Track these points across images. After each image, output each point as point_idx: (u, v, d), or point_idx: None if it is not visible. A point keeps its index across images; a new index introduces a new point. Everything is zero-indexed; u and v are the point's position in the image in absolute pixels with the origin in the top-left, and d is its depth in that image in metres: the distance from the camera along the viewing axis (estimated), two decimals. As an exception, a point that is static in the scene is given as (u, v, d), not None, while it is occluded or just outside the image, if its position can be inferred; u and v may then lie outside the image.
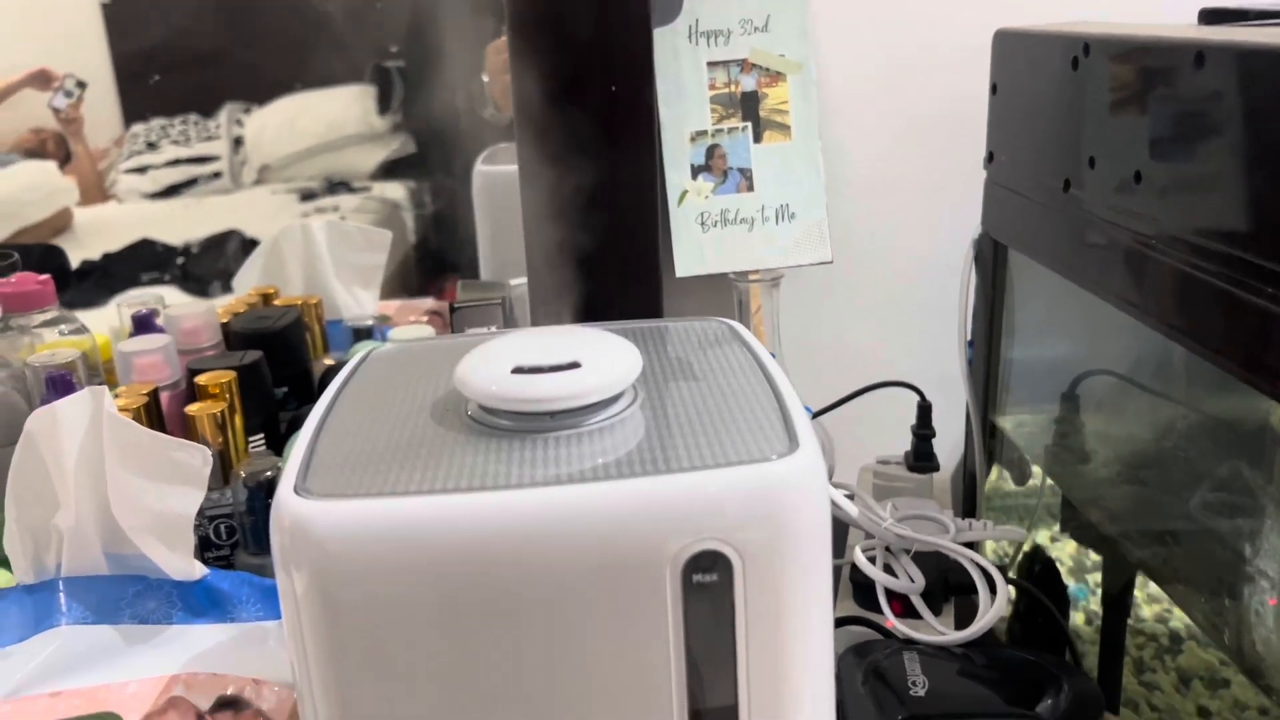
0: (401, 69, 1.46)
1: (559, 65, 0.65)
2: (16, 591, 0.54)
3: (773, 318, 0.73)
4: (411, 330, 0.80)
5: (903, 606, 0.57)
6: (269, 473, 0.61)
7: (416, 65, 1.39)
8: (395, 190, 1.54)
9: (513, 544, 0.32)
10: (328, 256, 0.92)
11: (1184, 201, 0.48)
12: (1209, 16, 0.55)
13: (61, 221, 1.63)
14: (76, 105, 1.68)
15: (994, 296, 0.70)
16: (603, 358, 0.37)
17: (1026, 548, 0.74)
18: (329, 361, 0.83)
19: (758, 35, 0.72)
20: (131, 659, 0.52)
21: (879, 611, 0.57)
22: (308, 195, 1.63)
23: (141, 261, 1.54)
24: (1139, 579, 0.74)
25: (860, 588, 0.59)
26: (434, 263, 1.37)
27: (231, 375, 0.65)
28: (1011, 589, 0.66)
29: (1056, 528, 0.73)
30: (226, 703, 0.49)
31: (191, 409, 0.63)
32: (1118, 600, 0.61)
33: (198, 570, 0.54)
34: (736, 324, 0.46)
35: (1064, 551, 0.77)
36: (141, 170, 1.78)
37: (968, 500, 0.74)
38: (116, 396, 0.63)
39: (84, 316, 0.77)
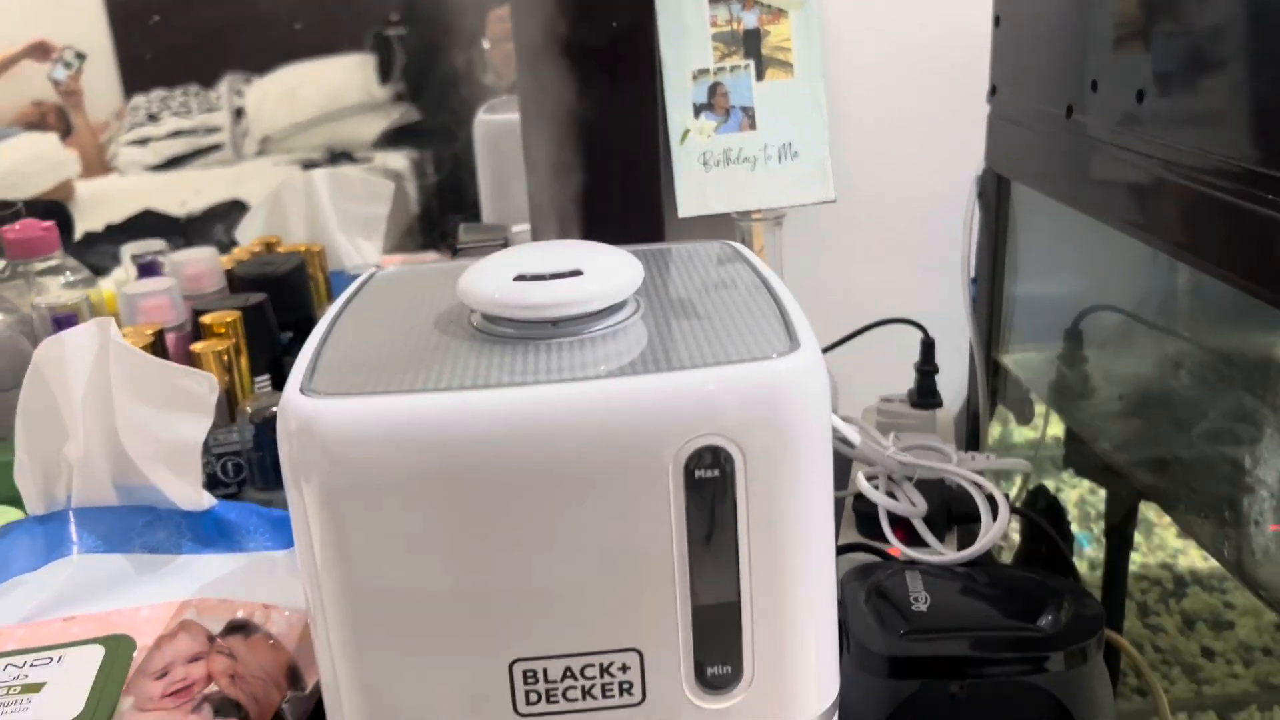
0: (402, 37, 1.46)
1: (561, 4, 0.65)
2: (28, 522, 0.55)
3: (775, 257, 0.73)
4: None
5: (906, 534, 0.57)
6: (274, 409, 0.61)
7: (417, 33, 1.38)
8: (397, 160, 1.54)
9: (516, 440, 0.32)
10: (330, 207, 0.93)
11: (1187, 118, 0.48)
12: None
13: (64, 194, 1.64)
14: (76, 77, 1.68)
15: (997, 232, 0.71)
16: (604, 267, 0.38)
17: (1031, 486, 0.74)
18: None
19: (759, -29, 0.72)
20: (142, 587, 0.53)
21: (883, 541, 0.57)
22: (309, 165, 1.63)
23: (144, 232, 1.54)
24: (1142, 529, 0.74)
25: (864, 518, 0.59)
26: (437, 232, 1.38)
27: (237, 315, 0.66)
28: (1015, 520, 0.66)
29: (1062, 476, 0.74)
30: (237, 626, 0.50)
31: (197, 347, 0.63)
32: (1120, 529, 0.62)
33: (206, 500, 0.55)
34: (739, 245, 0.46)
35: (1068, 500, 0.77)
36: (143, 142, 1.78)
37: (971, 437, 0.74)
38: (124, 337, 0.64)
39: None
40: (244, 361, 0.65)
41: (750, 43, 0.72)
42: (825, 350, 0.73)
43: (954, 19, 0.76)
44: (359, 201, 0.93)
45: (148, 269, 0.78)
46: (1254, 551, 0.48)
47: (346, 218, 0.92)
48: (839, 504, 0.63)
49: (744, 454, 0.33)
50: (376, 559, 0.33)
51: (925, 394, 0.70)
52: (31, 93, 1.67)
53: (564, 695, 0.35)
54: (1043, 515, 0.69)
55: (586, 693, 0.35)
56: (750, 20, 0.72)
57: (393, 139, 1.55)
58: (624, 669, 0.34)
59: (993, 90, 0.68)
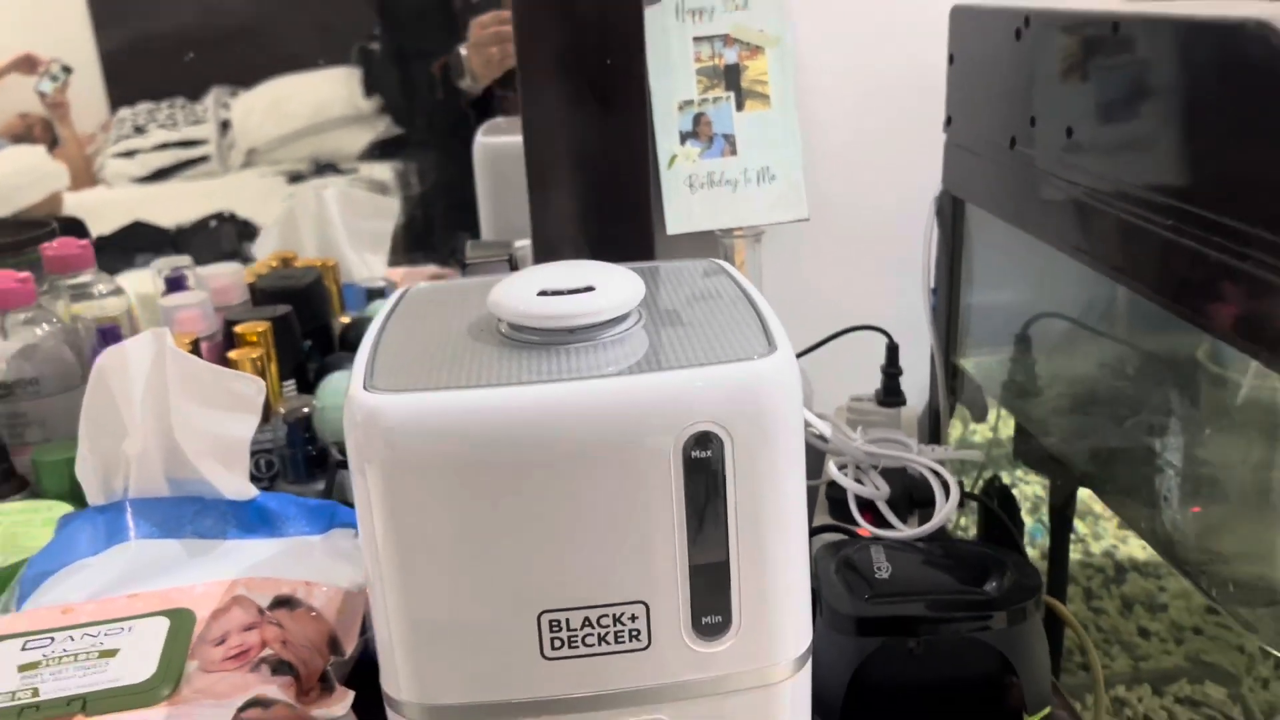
0: (380, 48, 1.48)
1: (560, 42, 0.72)
2: (89, 512, 0.61)
3: (756, 270, 0.80)
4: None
5: (872, 516, 0.64)
6: (305, 410, 0.68)
7: (391, 40, 1.41)
8: (383, 171, 1.57)
9: (543, 428, 0.39)
10: (339, 223, 0.99)
11: (1109, 153, 0.55)
12: (1134, -9, 0.62)
13: (52, 206, 1.67)
14: (62, 90, 1.72)
15: (954, 248, 0.78)
16: (613, 283, 0.44)
17: (986, 475, 0.82)
18: (345, 320, 0.90)
19: (738, 12, 0.79)
20: (194, 568, 0.59)
21: (852, 523, 0.65)
22: (295, 177, 1.66)
23: (135, 243, 1.56)
24: (1087, 523, 0.81)
25: (835, 503, 0.66)
26: (424, 240, 1.41)
27: (267, 325, 0.72)
28: (974, 508, 0.74)
29: (1016, 473, 0.81)
30: (282, 601, 0.56)
31: (233, 354, 0.70)
32: (1062, 511, 0.69)
33: (250, 490, 0.61)
34: (723, 262, 0.54)
35: (1022, 495, 0.84)
36: (129, 154, 1.81)
37: (932, 433, 0.82)
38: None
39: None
40: (274, 368, 0.72)
41: (731, 76, 0.79)
42: (800, 354, 0.81)
43: (914, 57, 0.83)
44: (366, 218, 0.99)
45: (175, 283, 0.84)
46: (1168, 526, 0.56)
47: (355, 234, 0.98)
48: (813, 491, 0.70)
49: (731, 438, 0.40)
50: (426, 528, 0.40)
51: (890, 393, 0.78)
52: (18, 105, 1.71)
53: (583, 641, 0.41)
54: (996, 503, 0.76)
55: (602, 639, 0.41)
56: (731, 56, 0.79)
57: (379, 151, 1.59)
58: (633, 619, 0.41)
59: (948, 121, 0.75)
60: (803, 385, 0.43)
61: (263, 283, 0.82)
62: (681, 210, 0.80)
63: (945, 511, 0.58)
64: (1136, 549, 0.89)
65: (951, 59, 0.74)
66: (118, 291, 0.84)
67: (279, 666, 0.51)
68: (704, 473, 0.40)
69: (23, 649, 0.52)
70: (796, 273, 0.87)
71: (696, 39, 0.79)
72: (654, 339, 0.43)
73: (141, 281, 0.93)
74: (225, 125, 1.82)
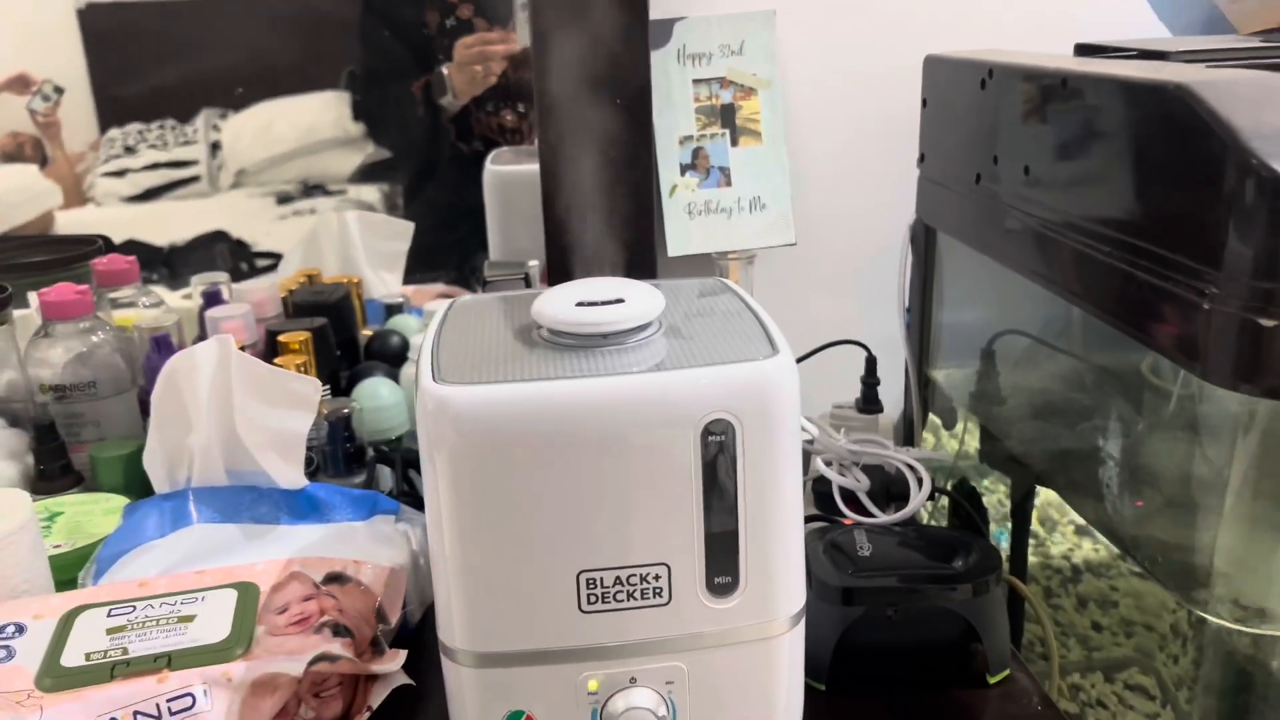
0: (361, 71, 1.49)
1: (576, 83, 0.80)
2: (155, 499, 0.68)
3: (747, 289, 0.88)
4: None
5: (854, 507, 0.72)
6: (345, 410, 0.75)
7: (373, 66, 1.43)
8: (370, 193, 1.63)
9: (584, 416, 0.46)
10: (360, 244, 1.06)
11: (1060, 189, 0.64)
12: (1081, 50, 0.71)
13: (45, 224, 1.71)
14: (54, 109, 1.78)
15: (926, 271, 0.86)
16: (639, 296, 0.52)
17: (955, 480, 0.90)
18: (368, 332, 0.97)
19: (734, 58, 0.88)
20: (251, 549, 0.66)
21: (837, 513, 0.72)
22: (284, 199, 1.72)
23: None
24: (1046, 527, 0.89)
25: (821, 496, 0.74)
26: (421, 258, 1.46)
27: (307, 334, 0.79)
28: (945, 504, 0.82)
29: (984, 483, 0.89)
30: (334, 577, 0.63)
31: (279, 360, 0.77)
32: (1021, 506, 0.77)
33: (303, 480, 0.68)
34: (727, 280, 0.62)
35: (990, 502, 0.92)
36: (120, 174, 1.86)
37: (907, 438, 0.90)
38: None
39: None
40: (314, 374, 0.79)
41: (726, 115, 0.88)
42: (788, 366, 0.88)
43: (892, 99, 0.91)
44: (383, 239, 1.07)
45: (212, 297, 0.91)
46: (1111, 512, 0.64)
47: (373, 253, 1.06)
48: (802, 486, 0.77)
49: (741, 425, 0.47)
50: (484, 499, 0.47)
51: (869, 402, 0.86)
52: (9, 124, 1.76)
53: (614, 597, 0.49)
54: (962, 497, 0.84)
55: (630, 595, 0.49)
56: (726, 97, 0.88)
57: (367, 173, 1.64)
58: (657, 578, 0.48)
59: (921, 157, 0.84)
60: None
61: (296, 297, 0.90)
62: (681, 235, 0.88)
63: (919, 499, 0.66)
64: (1090, 552, 0.97)
65: (925, 103, 0.83)
66: (159, 303, 0.91)
67: (338, 629, 0.58)
68: (718, 455, 0.47)
69: (108, 615, 0.58)
70: (785, 292, 0.95)
71: (696, 81, 0.87)
72: (673, 343, 0.51)
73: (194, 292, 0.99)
74: (215, 146, 1.86)
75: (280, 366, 0.77)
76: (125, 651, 0.55)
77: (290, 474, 0.67)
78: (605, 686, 0.50)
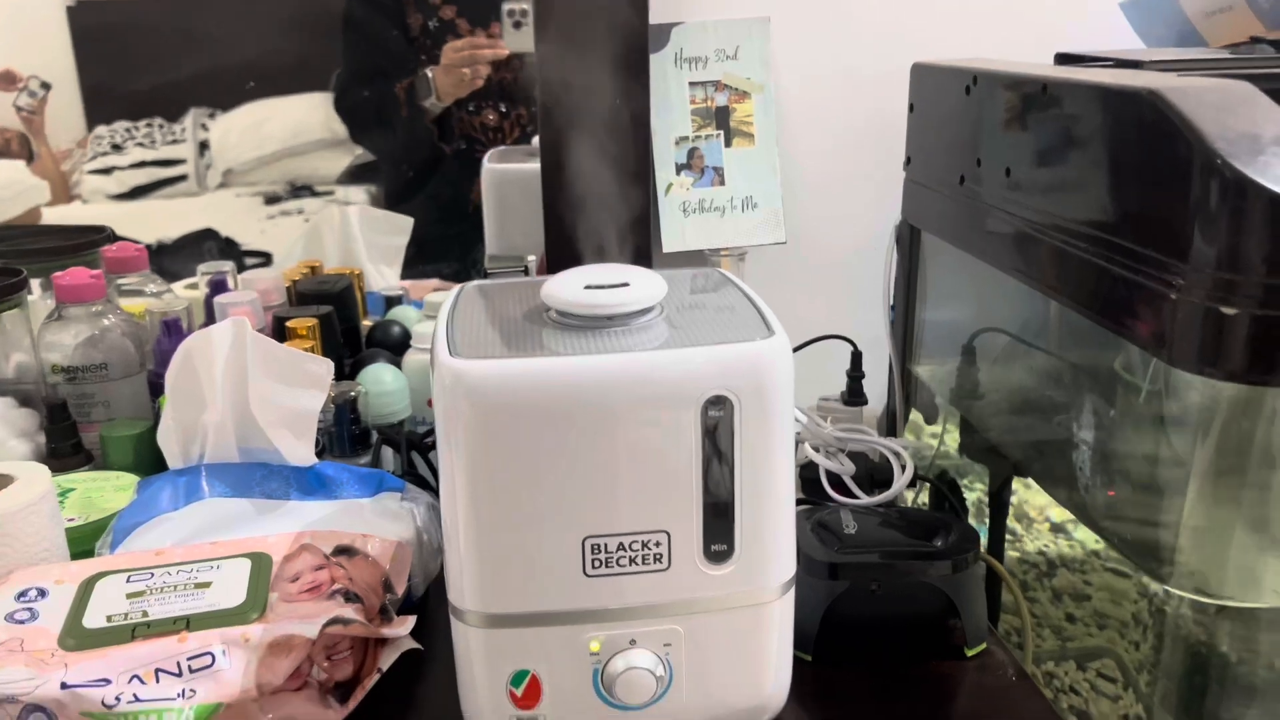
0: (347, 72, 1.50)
1: (577, 85, 0.84)
2: (169, 474, 0.70)
3: (739, 285, 0.91)
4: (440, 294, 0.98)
5: (840, 491, 0.75)
6: (351, 394, 0.78)
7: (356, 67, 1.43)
8: (358, 195, 1.65)
9: (593, 390, 0.49)
10: (360, 237, 1.09)
11: (1040, 190, 0.67)
12: (1061, 59, 0.75)
13: (31, 220, 1.73)
14: (40, 105, 1.79)
15: (911, 270, 0.90)
16: (644, 281, 0.55)
17: (936, 471, 0.93)
18: (368, 323, 1.00)
19: (729, 62, 0.91)
20: (263, 523, 0.68)
21: (824, 497, 0.76)
22: (272, 199, 1.74)
23: None
24: (1023, 524, 0.92)
25: (809, 482, 0.77)
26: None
27: (315, 320, 0.82)
28: (923, 489, 0.85)
29: (964, 481, 0.92)
30: (343, 549, 0.65)
31: (289, 344, 0.79)
32: (998, 495, 0.81)
33: (313, 457, 0.70)
34: (724, 270, 0.65)
35: (969, 500, 0.95)
36: (106, 171, 1.88)
37: (889, 430, 0.93)
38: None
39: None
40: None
41: (721, 117, 0.91)
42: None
43: (880, 103, 0.95)
44: (383, 234, 1.09)
45: (218, 285, 0.93)
46: (1083, 495, 0.67)
47: (373, 247, 1.08)
48: (789, 474, 0.81)
49: (739, 400, 0.50)
50: (499, 467, 0.50)
51: (854, 394, 0.89)
52: None
53: (617, 562, 0.51)
54: (943, 485, 0.88)
55: (632, 560, 0.51)
56: (721, 100, 0.91)
57: (354, 175, 1.66)
58: (657, 545, 0.51)
59: (907, 160, 0.87)
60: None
61: (301, 286, 0.92)
62: (676, 232, 0.91)
63: (901, 482, 0.69)
64: (1065, 548, 1.00)
65: (912, 108, 0.86)
66: (164, 289, 0.94)
67: (349, 596, 0.61)
68: (717, 429, 0.50)
69: (127, 581, 0.60)
70: (775, 288, 0.96)
71: (692, 84, 0.91)
72: (675, 325, 0.54)
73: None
74: (203, 146, 1.87)
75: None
76: (145, 614, 0.57)
77: (301, 451, 0.69)
78: (606, 647, 0.53)
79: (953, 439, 0.91)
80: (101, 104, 1.83)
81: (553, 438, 0.49)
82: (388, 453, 0.81)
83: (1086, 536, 0.77)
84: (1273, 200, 0.46)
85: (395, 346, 0.92)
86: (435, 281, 1.27)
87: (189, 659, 0.55)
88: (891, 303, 0.91)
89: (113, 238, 0.96)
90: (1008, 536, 0.84)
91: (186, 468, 0.70)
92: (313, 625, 0.57)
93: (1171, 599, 0.62)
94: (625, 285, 0.54)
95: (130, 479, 0.76)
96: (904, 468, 0.71)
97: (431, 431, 0.81)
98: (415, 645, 0.60)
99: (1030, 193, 0.68)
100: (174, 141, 1.90)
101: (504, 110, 1.13)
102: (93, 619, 0.57)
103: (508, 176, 1.12)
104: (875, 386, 0.92)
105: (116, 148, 1.90)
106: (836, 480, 0.75)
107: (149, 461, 0.77)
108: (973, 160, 0.75)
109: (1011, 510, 0.83)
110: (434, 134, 1.18)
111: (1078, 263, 0.62)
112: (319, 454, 0.79)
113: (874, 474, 0.77)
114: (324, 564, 0.63)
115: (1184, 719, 0.63)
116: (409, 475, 0.78)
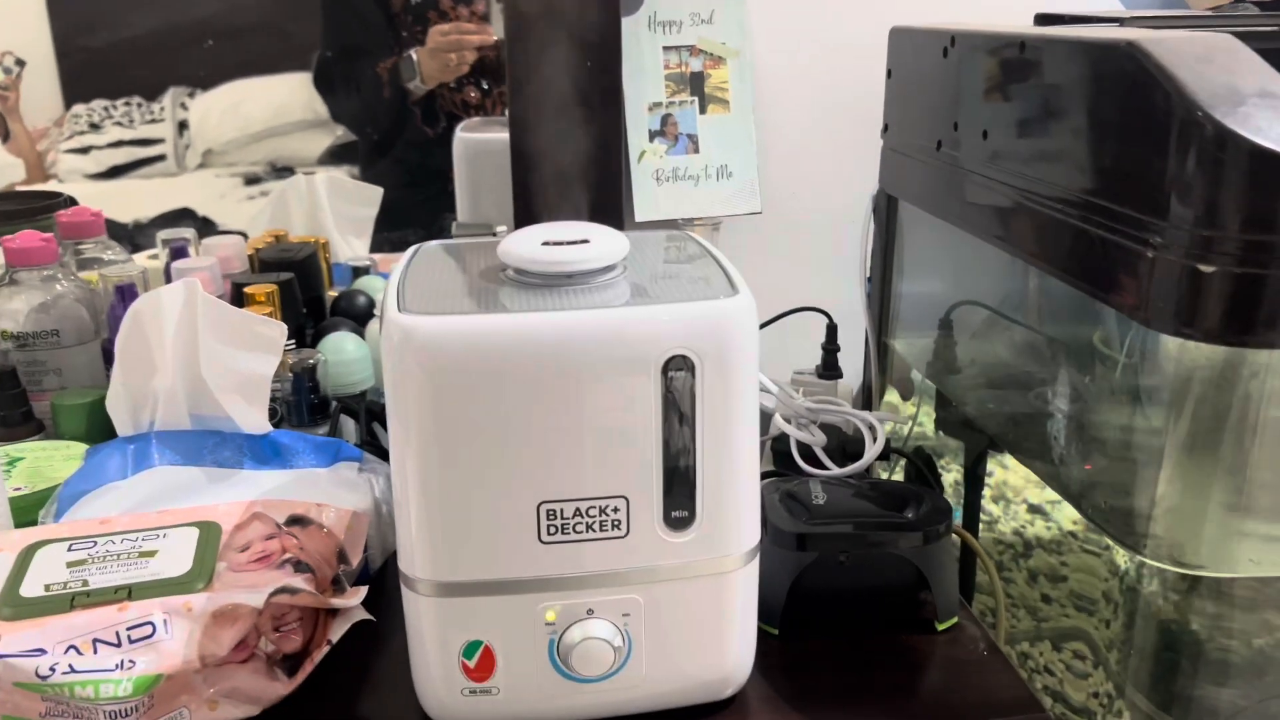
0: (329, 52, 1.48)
1: (546, 47, 0.81)
2: (118, 441, 0.68)
3: (712, 255, 0.89)
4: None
5: (812, 465, 0.74)
6: (311, 361, 0.76)
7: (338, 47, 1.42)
8: (339, 176, 1.63)
9: (549, 348, 0.47)
10: (328, 207, 1.06)
11: (1019, 153, 0.65)
12: (1041, 19, 0.73)
13: None
14: (14, 82, 1.76)
15: (888, 241, 0.88)
16: (604, 238, 0.53)
17: (910, 446, 0.92)
18: (333, 293, 0.97)
19: (704, 26, 0.89)
20: (215, 492, 0.66)
21: (796, 470, 0.74)
22: (252, 179, 1.72)
23: None
24: (1000, 506, 0.91)
25: (780, 455, 0.76)
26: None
27: (274, 287, 0.79)
28: (898, 463, 0.83)
29: (940, 462, 0.90)
30: (296, 519, 0.63)
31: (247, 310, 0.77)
32: (973, 470, 0.79)
33: (266, 425, 0.68)
34: (689, 231, 0.63)
35: (946, 479, 0.94)
36: (84, 150, 1.85)
37: (865, 404, 0.91)
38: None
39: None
40: (279, 325, 0.79)
41: (695, 83, 0.89)
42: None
43: (857, 70, 0.93)
44: (352, 204, 1.07)
45: (179, 252, 0.91)
46: (1057, 465, 0.66)
47: (341, 218, 1.06)
48: (761, 446, 0.79)
49: (701, 360, 0.48)
50: (447, 428, 0.48)
51: (829, 368, 0.87)
52: None
53: (573, 529, 0.50)
54: (918, 460, 0.86)
55: (589, 527, 0.50)
56: (696, 65, 0.89)
57: (336, 155, 1.64)
58: (615, 510, 0.50)
59: (885, 127, 0.85)
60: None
61: (264, 254, 0.90)
62: (649, 200, 0.89)
63: (872, 453, 0.67)
64: (1042, 529, 0.99)
65: (889, 73, 0.85)
66: (125, 257, 0.91)
67: (299, 565, 0.58)
68: (677, 390, 0.49)
69: (69, 549, 0.58)
70: (749, 259, 0.94)
71: (666, 48, 0.88)
72: (637, 284, 0.52)
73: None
74: (183, 125, 1.85)
75: (246, 316, 0.77)
76: (85, 584, 0.55)
77: (254, 417, 0.67)
78: (563, 617, 0.51)
79: (928, 414, 0.89)
80: (78, 82, 1.80)
81: (506, 398, 0.48)
82: (349, 424, 0.79)
83: (1064, 518, 0.76)
84: (1253, 152, 0.45)
85: (360, 316, 0.90)
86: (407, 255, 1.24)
87: (128, 629, 0.53)
88: (868, 275, 0.89)
89: (70, 203, 0.93)
90: (985, 518, 0.82)
91: (136, 435, 0.68)
92: (259, 594, 0.55)
93: (1143, 577, 0.61)
94: (585, 242, 0.52)
95: (80, 448, 0.73)
96: (875, 439, 0.70)
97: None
98: (367, 616, 0.58)
99: (1008, 155, 0.66)
100: (153, 121, 1.87)
101: (485, 88, 1.11)
102: (30, 588, 0.55)
103: (480, 146, 1.09)
104: (851, 361, 0.90)
105: (94, 127, 1.87)
106: (808, 453, 0.73)
107: (101, 431, 0.75)
108: (950, 124, 0.73)
109: (989, 492, 0.82)
110: (416, 116, 1.15)
111: (1055, 225, 0.60)
112: (276, 423, 0.77)
113: (846, 446, 0.75)
114: (275, 533, 0.61)
115: (1154, 696, 0.62)
116: (369, 445, 0.76)
